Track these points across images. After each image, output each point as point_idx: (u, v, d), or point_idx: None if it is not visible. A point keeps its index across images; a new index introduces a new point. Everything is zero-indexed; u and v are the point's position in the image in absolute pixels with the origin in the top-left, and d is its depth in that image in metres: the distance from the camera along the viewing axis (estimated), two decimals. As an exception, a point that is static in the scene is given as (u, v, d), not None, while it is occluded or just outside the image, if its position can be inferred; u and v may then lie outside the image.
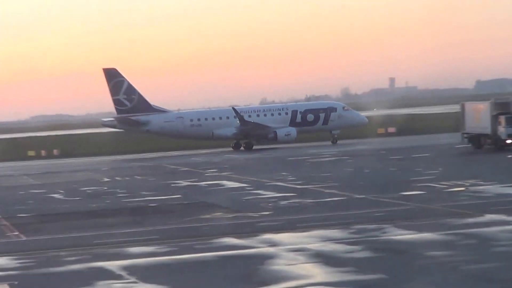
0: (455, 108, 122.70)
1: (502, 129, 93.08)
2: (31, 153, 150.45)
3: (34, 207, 68.75)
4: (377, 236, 44.98)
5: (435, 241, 42.15)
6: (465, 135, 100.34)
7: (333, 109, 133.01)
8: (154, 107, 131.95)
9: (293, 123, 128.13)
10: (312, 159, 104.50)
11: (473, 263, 35.94)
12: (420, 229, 45.52)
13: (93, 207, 66.42)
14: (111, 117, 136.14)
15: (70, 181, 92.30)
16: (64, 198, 76.01)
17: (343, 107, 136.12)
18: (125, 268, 39.62)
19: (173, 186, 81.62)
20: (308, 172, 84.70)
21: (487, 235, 42.59)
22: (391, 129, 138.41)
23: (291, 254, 40.71)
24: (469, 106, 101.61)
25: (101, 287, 35.90)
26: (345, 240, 43.95)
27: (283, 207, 59.59)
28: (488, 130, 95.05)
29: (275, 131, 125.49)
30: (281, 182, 76.35)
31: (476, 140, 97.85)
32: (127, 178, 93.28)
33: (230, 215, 57.11)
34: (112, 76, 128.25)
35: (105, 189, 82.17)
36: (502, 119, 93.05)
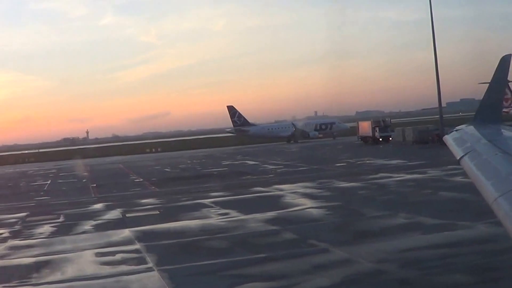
0: (352, 124, 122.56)
1: (376, 133, 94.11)
2: (147, 150, 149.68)
3: (157, 175, 67.55)
4: (330, 185, 43.74)
5: (359, 186, 41.68)
6: (359, 137, 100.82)
7: (334, 122, 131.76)
8: (251, 123, 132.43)
9: (316, 129, 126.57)
10: (288, 150, 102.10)
11: (381, 196, 35.93)
12: (350, 181, 44.60)
13: (186, 174, 65.22)
14: (230, 128, 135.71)
15: (170, 162, 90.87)
16: (170, 170, 75.04)
17: (338, 122, 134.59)
18: (212, 202, 39.03)
19: (222, 163, 79.87)
20: (287, 156, 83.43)
21: (383, 183, 42.54)
22: (320, 135, 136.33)
23: (291, 194, 39.77)
24: (361, 122, 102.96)
25: (204, 211, 35.24)
26: (315, 187, 42.87)
27: (279, 173, 58.54)
28: (370, 134, 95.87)
29: (308, 133, 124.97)
30: (274, 161, 75.17)
31: (364, 139, 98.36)
32: (198, 160, 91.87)
33: (255, 177, 55.85)
34: (231, 109, 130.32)
35: (189, 166, 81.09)
36: (376, 129, 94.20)
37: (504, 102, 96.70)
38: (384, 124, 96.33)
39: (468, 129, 9.99)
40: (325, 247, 21.82)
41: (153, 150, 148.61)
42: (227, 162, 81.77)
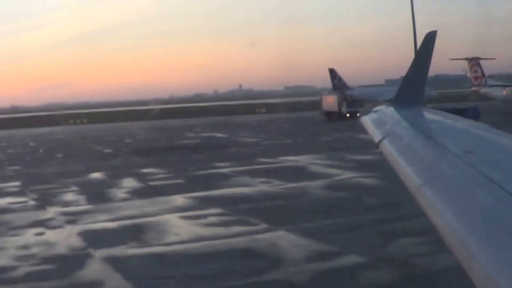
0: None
1: (343, 109, 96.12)
2: (71, 121, 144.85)
3: (125, 146, 65.38)
4: (344, 157, 42.76)
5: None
6: (323, 112, 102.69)
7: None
8: (350, 86, 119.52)
9: None
10: (247, 124, 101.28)
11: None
12: (361, 154, 42.45)
13: (158, 146, 62.61)
14: (327, 92, 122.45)
15: (121, 133, 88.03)
16: (133, 141, 72.17)
17: (428, 89, 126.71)
18: (232, 171, 39.02)
19: (186, 136, 77.61)
20: (253, 130, 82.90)
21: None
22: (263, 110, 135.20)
23: (312, 165, 39.59)
24: (326, 96, 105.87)
25: (237, 179, 35.01)
26: (329, 159, 42.22)
27: (267, 145, 57.62)
28: (336, 109, 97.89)
29: None
30: (245, 134, 74.60)
31: (328, 114, 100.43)
32: (155, 132, 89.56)
33: (244, 149, 55.29)
34: (332, 72, 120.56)
35: (150, 137, 77.38)
36: (343, 103, 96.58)
37: (473, 80, 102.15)
38: (352, 98, 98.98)
39: (388, 110, 9.75)
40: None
41: (78, 121, 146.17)
42: (191, 135, 79.26)
